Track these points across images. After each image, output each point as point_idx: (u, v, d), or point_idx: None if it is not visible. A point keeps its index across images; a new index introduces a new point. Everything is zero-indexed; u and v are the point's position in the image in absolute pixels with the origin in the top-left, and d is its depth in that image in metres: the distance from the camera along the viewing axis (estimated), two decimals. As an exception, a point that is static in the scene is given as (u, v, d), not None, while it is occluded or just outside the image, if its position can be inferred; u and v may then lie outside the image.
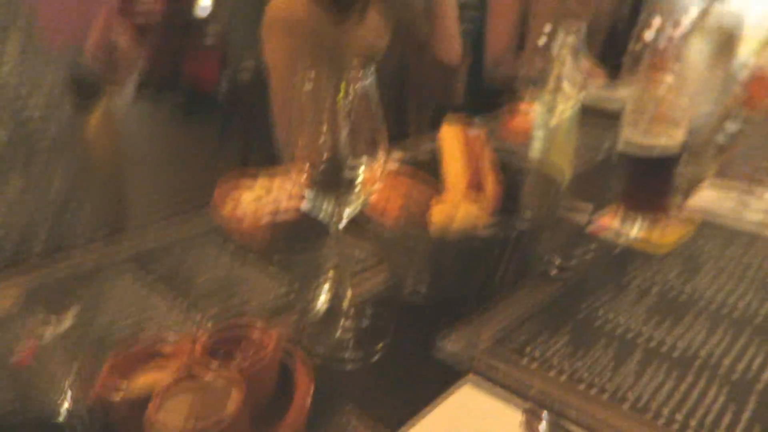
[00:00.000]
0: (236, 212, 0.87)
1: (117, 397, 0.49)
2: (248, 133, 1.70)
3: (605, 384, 0.56)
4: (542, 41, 0.88)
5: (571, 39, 0.84)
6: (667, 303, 0.69)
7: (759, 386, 0.55)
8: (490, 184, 0.75)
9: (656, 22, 0.93)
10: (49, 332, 0.65)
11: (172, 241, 0.89)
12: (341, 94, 0.54)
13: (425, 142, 1.09)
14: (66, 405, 0.53)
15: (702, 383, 0.56)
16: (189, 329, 0.67)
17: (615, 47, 1.60)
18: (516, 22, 1.80)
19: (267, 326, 0.57)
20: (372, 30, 1.39)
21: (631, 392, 0.55)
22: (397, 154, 0.80)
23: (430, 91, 1.52)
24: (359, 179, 0.56)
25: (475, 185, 0.74)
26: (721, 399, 0.54)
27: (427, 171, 0.78)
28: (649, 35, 0.92)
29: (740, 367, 0.58)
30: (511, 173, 0.78)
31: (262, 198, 0.88)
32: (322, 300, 0.70)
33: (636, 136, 0.81)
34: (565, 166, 0.87)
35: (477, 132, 0.79)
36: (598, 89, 1.28)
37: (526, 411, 0.52)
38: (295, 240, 0.85)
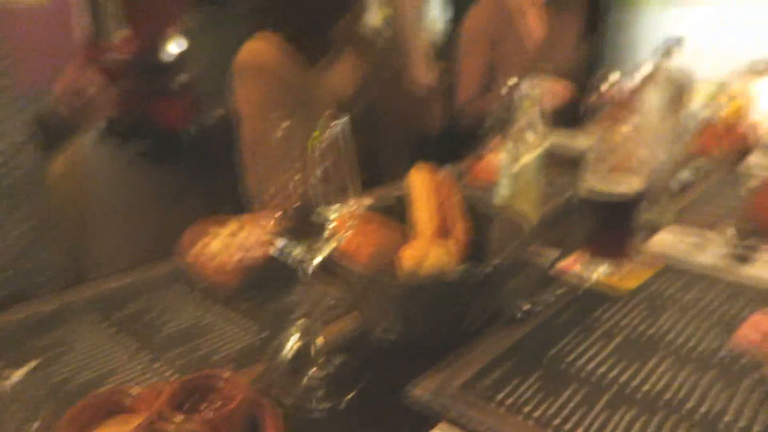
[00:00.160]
0: (203, 258, 0.86)
1: (76, 453, 0.47)
2: (216, 180, 1.69)
3: (575, 429, 0.56)
4: (505, 92, 0.92)
5: (533, 91, 0.88)
6: (631, 345, 0.70)
7: (721, 426, 0.56)
8: (459, 230, 0.76)
9: (613, 76, 0.98)
10: (7, 384, 0.62)
11: (136, 289, 0.87)
12: (313, 141, 0.54)
13: (395, 187, 1.11)
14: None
15: (669, 425, 0.57)
16: (153, 380, 0.65)
17: (574, 98, 1.68)
18: (484, 66, 1.95)
19: (234, 376, 0.56)
20: (342, 76, 1.42)
21: (601, 436, 0.55)
22: (367, 200, 0.81)
23: (407, 121, 1.52)
24: (330, 226, 0.56)
25: (444, 230, 0.76)
26: (687, 441, 0.55)
27: (396, 216, 0.79)
28: (605, 88, 0.97)
29: (703, 409, 0.59)
30: (479, 218, 0.79)
31: (230, 245, 0.87)
32: (291, 348, 0.69)
33: (597, 183, 0.84)
34: (530, 211, 0.90)
35: (445, 177, 0.80)
36: (559, 137, 1.32)
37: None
38: (264, 286, 0.84)
